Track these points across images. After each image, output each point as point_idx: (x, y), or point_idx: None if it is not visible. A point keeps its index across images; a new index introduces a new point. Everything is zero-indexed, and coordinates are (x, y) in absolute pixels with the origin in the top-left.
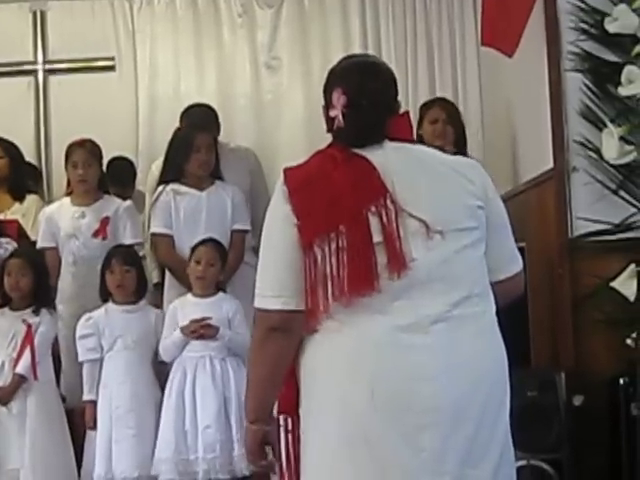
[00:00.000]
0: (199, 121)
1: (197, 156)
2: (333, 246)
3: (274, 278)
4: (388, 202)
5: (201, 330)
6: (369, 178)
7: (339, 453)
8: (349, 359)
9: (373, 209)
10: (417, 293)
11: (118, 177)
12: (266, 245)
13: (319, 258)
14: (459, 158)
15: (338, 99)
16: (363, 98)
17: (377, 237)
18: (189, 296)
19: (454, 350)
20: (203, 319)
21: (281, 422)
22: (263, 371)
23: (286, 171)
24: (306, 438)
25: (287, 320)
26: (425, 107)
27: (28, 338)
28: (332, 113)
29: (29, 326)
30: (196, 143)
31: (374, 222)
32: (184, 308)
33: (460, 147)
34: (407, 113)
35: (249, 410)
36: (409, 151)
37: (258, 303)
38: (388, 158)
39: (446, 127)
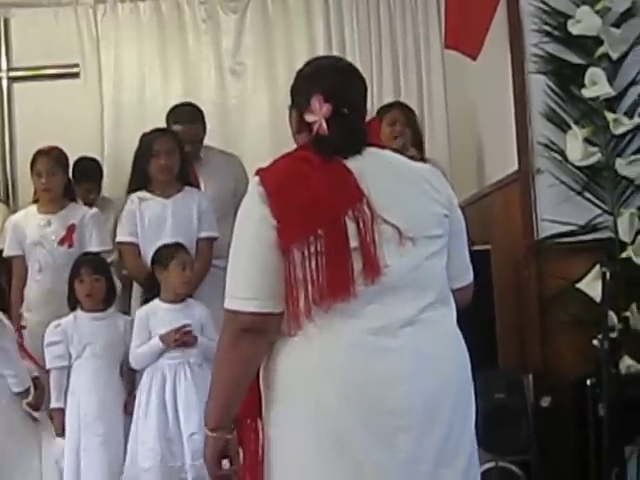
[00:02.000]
0: (183, 118)
1: (156, 160)
2: (312, 250)
3: (248, 280)
4: (365, 207)
5: (184, 338)
6: (346, 182)
7: (312, 455)
8: (322, 362)
9: (350, 214)
10: (389, 298)
11: (85, 174)
12: (239, 246)
13: (298, 261)
14: (424, 166)
15: (320, 105)
16: (345, 105)
17: (354, 242)
18: (158, 302)
19: (422, 353)
20: (184, 327)
21: (246, 426)
22: (231, 374)
23: (261, 172)
24: (276, 442)
25: (260, 322)
26: (383, 110)
27: None
28: (310, 118)
29: None
30: (155, 147)
31: (351, 227)
32: (156, 315)
33: (419, 150)
34: (376, 119)
35: (211, 417)
36: (381, 157)
37: (230, 304)
38: (363, 163)
39: (404, 128)
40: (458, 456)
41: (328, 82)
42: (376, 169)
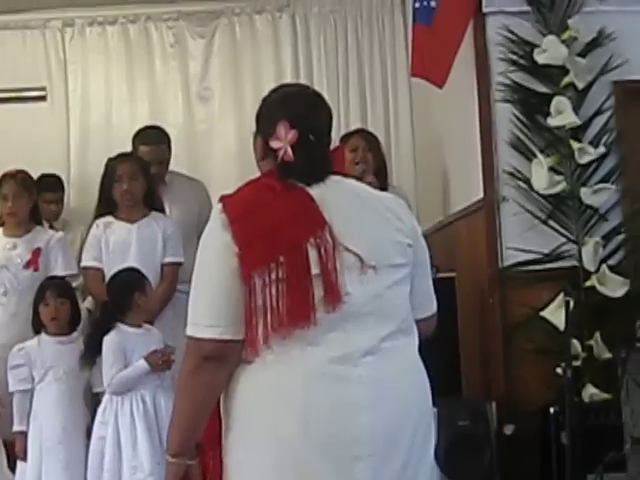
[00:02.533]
0: (149, 140)
1: (119, 185)
2: (273, 277)
3: (210, 307)
4: (326, 235)
5: (170, 359)
6: (308, 210)
7: None
8: (281, 390)
9: (312, 241)
10: (350, 326)
11: (46, 185)
12: (202, 273)
13: (259, 288)
14: (388, 195)
15: (286, 132)
16: (311, 132)
17: (315, 269)
18: (125, 327)
19: (382, 382)
20: (167, 347)
21: (202, 454)
22: (192, 401)
23: (224, 199)
24: (234, 470)
25: (222, 349)
26: (345, 137)
27: None
28: (275, 145)
29: None
30: (118, 172)
31: (313, 254)
32: (129, 340)
33: (381, 177)
34: (341, 147)
35: (173, 443)
36: (344, 185)
37: (192, 332)
38: (325, 191)
39: (366, 154)
40: None
41: (294, 109)
42: (339, 197)
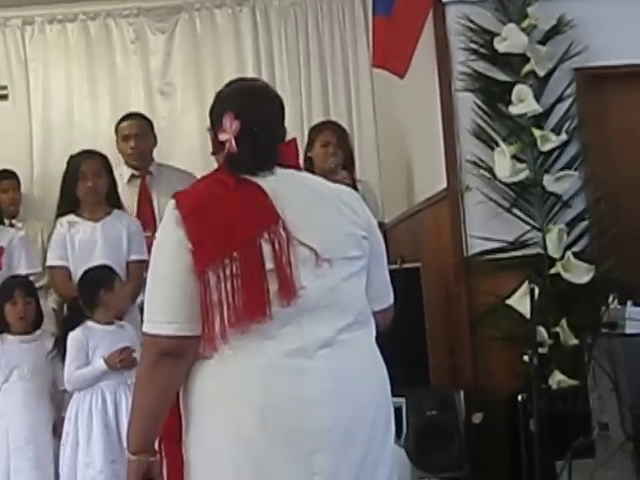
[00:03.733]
0: (129, 115)
1: (83, 183)
2: (227, 272)
3: (166, 303)
4: (280, 229)
5: (130, 358)
6: (261, 204)
7: (231, 478)
8: (239, 384)
9: (266, 236)
10: (305, 319)
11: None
12: (156, 270)
13: (213, 284)
14: (342, 187)
15: (230, 124)
16: (255, 124)
17: (269, 264)
18: (93, 324)
19: (339, 374)
20: (126, 348)
21: (163, 451)
22: (151, 398)
23: (177, 196)
24: (195, 465)
25: (180, 345)
26: (316, 130)
27: None
28: (222, 137)
29: None
30: (82, 169)
31: (267, 249)
32: (94, 336)
33: (348, 170)
34: (294, 140)
35: (133, 440)
36: (297, 178)
37: (149, 328)
38: (278, 184)
39: (337, 150)
40: (376, 478)
41: (239, 101)
42: (291, 190)
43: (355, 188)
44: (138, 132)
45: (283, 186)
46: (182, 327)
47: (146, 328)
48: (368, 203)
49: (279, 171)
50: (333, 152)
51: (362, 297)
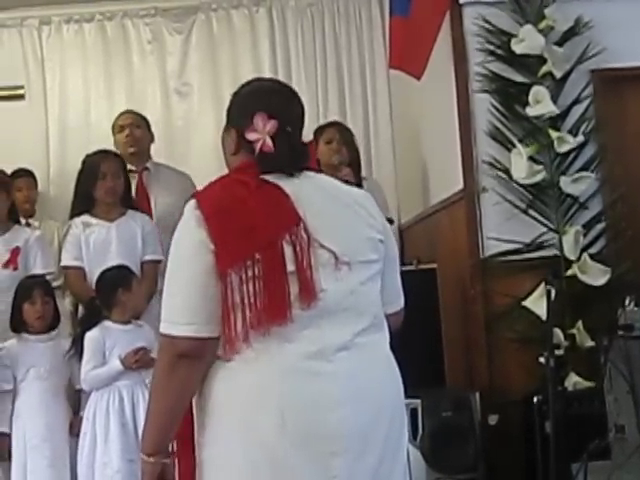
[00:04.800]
0: (125, 110)
1: (103, 183)
2: (249, 274)
3: (186, 304)
4: (301, 231)
5: (144, 359)
6: (282, 206)
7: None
8: (258, 387)
9: (288, 238)
10: (325, 322)
11: (20, 172)
12: (176, 271)
13: (235, 286)
14: (359, 191)
15: (264, 123)
16: (288, 123)
17: (290, 266)
18: (110, 324)
19: (357, 378)
20: (142, 349)
21: (178, 450)
22: (168, 400)
23: (197, 196)
24: (209, 465)
25: (198, 347)
26: (319, 130)
27: None
28: (252, 137)
29: None
30: (102, 169)
31: (288, 251)
32: (111, 336)
33: (355, 170)
34: (311, 142)
35: (149, 442)
36: (316, 180)
37: (167, 329)
38: (299, 187)
39: (341, 146)
40: None
41: (271, 101)
42: (312, 193)
43: (360, 186)
44: (133, 122)
45: (304, 188)
46: (201, 328)
47: (164, 329)
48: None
49: (302, 174)
50: (337, 149)
51: (378, 301)
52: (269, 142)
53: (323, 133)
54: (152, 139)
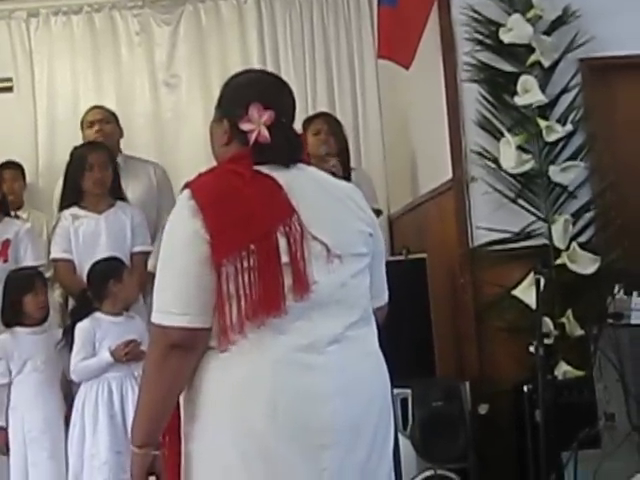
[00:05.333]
0: (93, 106)
1: (91, 174)
2: (245, 265)
3: (178, 294)
4: (295, 223)
5: (134, 351)
6: (277, 197)
7: (236, 473)
8: (249, 378)
9: (282, 229)
10: (317, 315)
11: (8, 164)
12: (168, 261)
13: (230, 276)
14: (347, 184)
15: (260, 113)
16: (282, 114)
17: (284, 258)
18: (101, 315)
19: (347, 370)
20: (132, 341)
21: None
22: (159, 391)
23: (191, 185)
24: (198, 457)
25: (191, 338)
26: (307, 121)
27: None
28: (247, 127)
29: None
30: (89, 161)
31: (282, 242)
32: (101, 327)
33: (343, 160)
34: (303, 134)
35: (138, 434)
36: (308, 173)
37: (159, 319)
38: (292, 178)
39: (329, 137)
40: (378, 475)
41: (265, 91)
42: (304, 185)
43: (348, 177)
44: (102, 118)
45: (296, 180)
46: (194, 319)
47: (156, 319)
48: (362, 190)
49: (293, 165)
50: (324, 139)
51: (367, 294)
52: (265, 132)
53: (311, 124)
54: (121, 134)
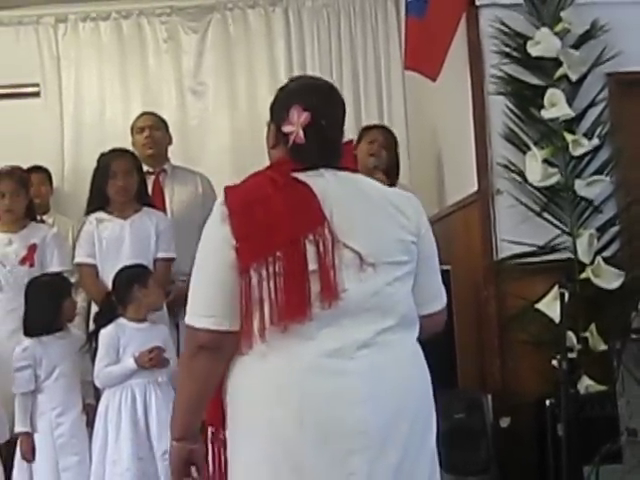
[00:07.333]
0: (145, 112)
1: (114, 182)
2: (270, 270)
3: (207, 297)
4: (326, 231)
5: (158, 358)
6: (309, 205)
7: (266, 477)
8: (277, 384)
9: (310, 237)
10: (346, 321)
11: (36, 168)
12: (200, 264)
13: (255, 282)
14: (397, 191)
15: (299, 115)
16: (323, 117)
17: (312, 265)
18: (125, 321)
19: (378, 376)
20: (156, 348)
21: (209, 434)
22: (192, 388)
23: (227, 190)
24: (232, 459)
25: (216, 340)
26: (366, 129)
27: None
28: (287, 129)
29: None
30: (112, 169)
31: (311, 250)
32: (124, 334)
33: (392, 175)
34: (351, 141)
35: (176, 428)
36: (350, 181)
37: (189, 321)
38: (329, 186)
39: (381, 150)
40: (415, 478)
41: (308, 95)
42: (342, 193)
43: None
44: (152, 124)
45: (334, 187)
46: (219, 321)
47: (187, 320)
48: None
49: (331, 172)
50: (377, 151)
51: (406, 301)
52: (301, 134)
53: (368, 133)
54: (170, 141)
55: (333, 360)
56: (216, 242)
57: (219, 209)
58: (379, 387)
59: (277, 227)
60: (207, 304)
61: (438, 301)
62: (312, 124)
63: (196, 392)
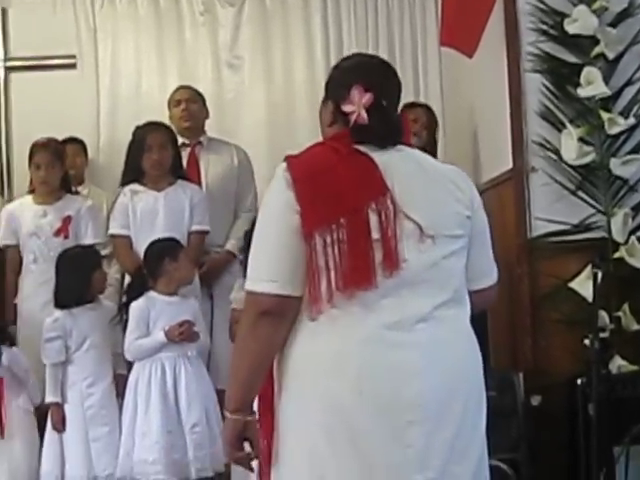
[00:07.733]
0: (182, 86)
1: (149, 155)
2: (334, 237)
3: (270, 262)
4: (388, 201)
5: (190, 332)
6: (372, 176)
7: (324, 446)
8: (337, 353)
9: (373, 206)
10: (405, 292)
11: (71, 139)
12: (263, 230)
13: (320, 248)
14: (449, 166)
15: (361, 95)
16: (384, 97)
17: (375, 234)
18: (155, 295)
19: (435, 349)
20: (186, 322)
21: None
22: (251, 358)
23: (289, 159)
24: (286, 430)
25: (281, 305)
26: (408, 106)
27: None
28: (348, 108)
29: None
30: (148, 142)
31: (373, 219)
32: (155, 307)
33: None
34: (405, 115)
35: (232, 399)
36: (408, 154)
37: (251, 286)
38: (390, 159)
39: (423, 130)
40: (468, 456)
41: (369, 74)
42: (403, 166)
43: None
44: (189, 97)
45: (395, 161)
46: (283, 286)
47: (248, 286)
48: None
49: (394, 147)
50: (419, 130)
51: (460, 275)
52: (364, 115)
53: (411, 110)
54: (207, 115)
55: (392, 332)
56: (279, 207)
57: (282, 176)
58: (436, 360)
59: (341, 195)
60: (270, 268)
61: (489, 277)
62: (374, 104)
63: (255, 362)
